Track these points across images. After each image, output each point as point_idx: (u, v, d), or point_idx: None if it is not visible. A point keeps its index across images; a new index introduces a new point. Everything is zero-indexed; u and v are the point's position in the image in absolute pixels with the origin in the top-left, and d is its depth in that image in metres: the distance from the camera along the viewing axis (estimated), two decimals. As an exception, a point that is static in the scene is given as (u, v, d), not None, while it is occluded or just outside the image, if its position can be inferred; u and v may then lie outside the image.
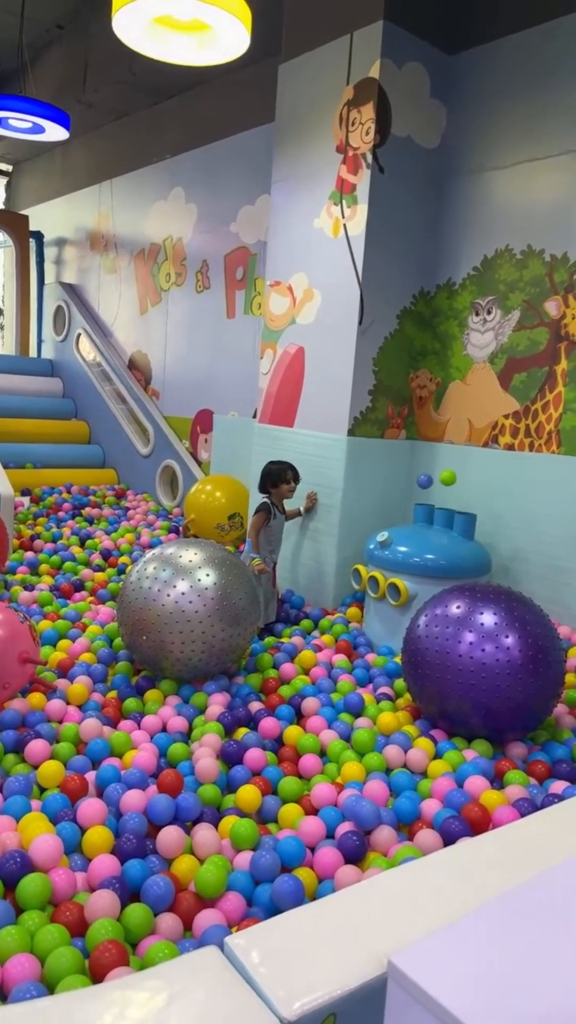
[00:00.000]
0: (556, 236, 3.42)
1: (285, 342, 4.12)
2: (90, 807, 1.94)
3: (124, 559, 4.47)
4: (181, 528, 5.13)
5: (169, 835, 1.88)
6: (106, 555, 4.54)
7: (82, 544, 4.78)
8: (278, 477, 3.62)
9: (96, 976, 1.44)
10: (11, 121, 4.81)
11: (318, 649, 3.30)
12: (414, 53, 3.65)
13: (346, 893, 1.36)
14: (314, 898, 1.80)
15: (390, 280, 3.78)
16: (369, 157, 3.60)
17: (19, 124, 4.84)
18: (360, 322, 3.70)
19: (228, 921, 1.68)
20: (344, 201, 3.73)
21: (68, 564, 4.33)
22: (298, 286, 4.03)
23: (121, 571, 4.33)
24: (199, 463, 5.75)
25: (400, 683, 2.94)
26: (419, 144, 3.77)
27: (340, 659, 3.17)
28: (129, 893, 1.71)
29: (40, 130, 4.89)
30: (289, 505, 3.79)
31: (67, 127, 4.81)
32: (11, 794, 2.02)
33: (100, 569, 4.36)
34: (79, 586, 4.03)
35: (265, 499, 3.64)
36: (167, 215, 6.05)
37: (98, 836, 1.85)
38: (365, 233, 3.62)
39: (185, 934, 1.67)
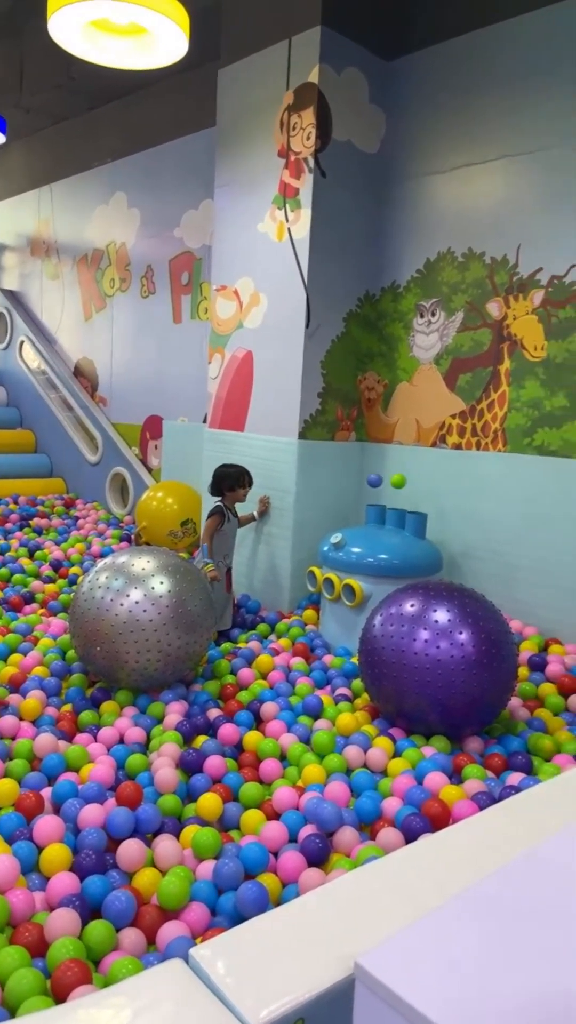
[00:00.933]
0: (495, 239, 3.49)
1: (233, 346, 4.11)
2: (46, 824, 1.90)
3: (75, 569, 4.39)
4: (133, 536, 5.07)
5: (129, 848, 1.85)
6: (56, 566, 4.46)
7: (31, 555, 4.68)
8: (235, 481, 3.61)
9: (59, 997, 1.41)
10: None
11: (275, 653, 3.29)
12: (352, 58, 3.69)
13: (309, 897, 1.36)
14: (279, 903, 1.79)
15: (335, 283, 3.81)
16: (311, 161, 3.62)
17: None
18: (307, 325, 3.71)
19: (192, 932, 1.66)
20: (288, 205, 3.74)
21: (17, 576, 4.23)
22: (244, 290, 4.03)
23: (72, 582, 4.25)
24: (149, 470, 5.69)
25: (358, 683, 2.95)
26: (360, 149, 3.81)
27: (297, 662, 3.17)
28: (90, 910, 1.68)
29: (-24, 134, 4.79)
30: (241, 509, 3.78)
31: (3, 131, 4.71)
32: (-37, 815, 1.96)
33: (50, 580, 4.28)
34: (29, 598, 3.95)
35: (218, 503, 3.62)
36: (109, 220, 5.98)
37: (56, 854, 1.81)
38: (309, 237, 3.65)
39: (149, 948, 1.64)
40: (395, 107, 3.87)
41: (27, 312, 7.05)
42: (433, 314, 3.76)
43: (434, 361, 3.78)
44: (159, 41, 3.25)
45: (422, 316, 3.82)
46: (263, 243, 3.88)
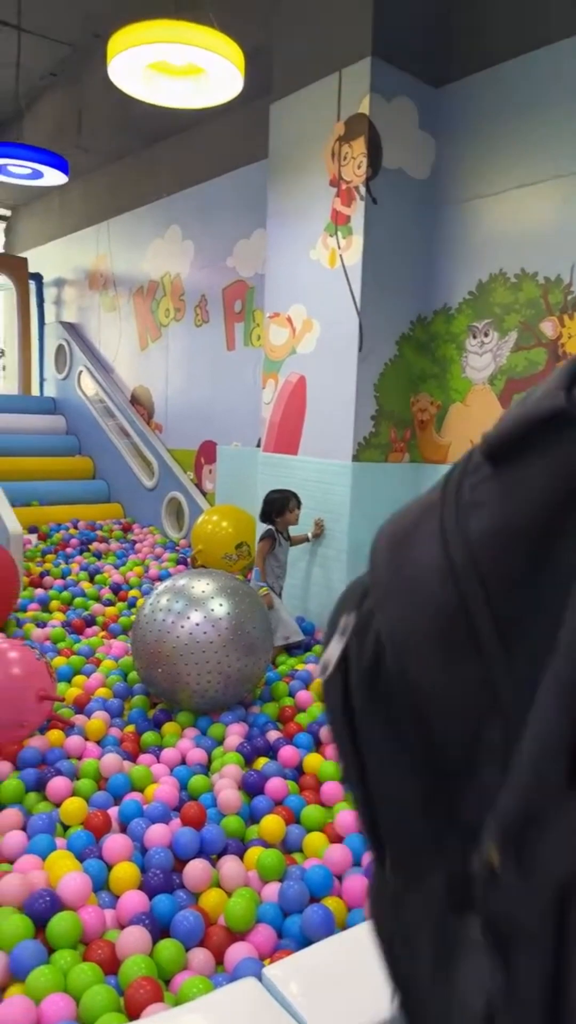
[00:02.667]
0: (548, 259, 3.48)
1: (286, 372, 4.17)
2: (116, 843, 1.93)
3: (134, 592, 4.48)
4: (189, 559, 5.15)
5: (196, 869, 1.87)
6: (116, 589, 4.55)
7: (91, 579, 4.80)
8: (282, 505, 3.67)
9: (131, 1013, 1.43)
10: (10, 168, 4.92)
11: (333, 675, 3.29)
12: (401, 87, 3.75)
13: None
14: (345, 927, 1.79)
15: (387, 307, 3.84)
16: (362, 189, 3.68)
17: (18, 170, 4.95)
18: (360, 349, 3.75)
19: (260, 954, 1.66)
20: (339, 232, 3.80)
21: (79, 600, 4.34)
22: (297, 317, 4.10)
23: (132, 604, 4.34)
24: (204, 494, 5.78)
25: (417, 706, 2.93)
26: (410, 175, 3.85)
27: (355, 684, 3.16)
28: (159, 928, 1.70)
29: (39, 175, 5.00)
30: (295, 531, 3.82)
31: (66, 172, 4.92)
32: (35, 832, 2.02)
33: (110, 603, 4.37)
34: (91, 621, 4.04)
35: (269, 527, 3.68)
36: (164, 252, 6.16)
37: (125, 872, 1.85)
38: (361, 263, 3.69)
39: (217, 968, 1.66)
40: (444, 133, 3.91)
41: (85, 343, 7.28)
42: (486, 335, 3.76)
43: (488, 382, 3.77)
44: (215, 80, 3.37)
45: (475, 337, 3.82)
46: (315, 270, 3.95)
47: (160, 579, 4.79)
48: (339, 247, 3.80)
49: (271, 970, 1.20)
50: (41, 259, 7.96)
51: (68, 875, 1.74)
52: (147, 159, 6.35)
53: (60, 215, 7.72)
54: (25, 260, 7.75)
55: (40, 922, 1.65)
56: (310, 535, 3.89)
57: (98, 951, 1.60)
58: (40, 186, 6.23)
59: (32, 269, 7.80)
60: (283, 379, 4.20)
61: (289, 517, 3.68)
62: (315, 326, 3.98)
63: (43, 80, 6.61)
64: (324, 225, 3.88)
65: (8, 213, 8.83)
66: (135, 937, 1.61)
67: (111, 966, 1.59)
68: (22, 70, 5.89)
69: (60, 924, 1.61)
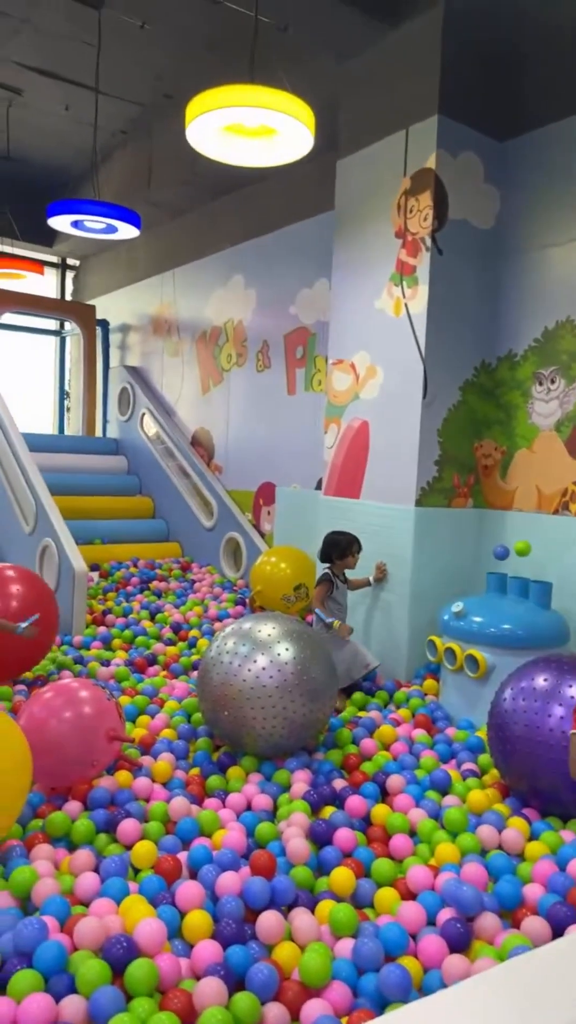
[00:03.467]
0: (617, 307, 3.47)
1: (349, 417, 4.23)
2: (188, 890, 1.93)
3: (194, 632, 4.52)
4: (247, 599, 5.18)
5: (269, 920, 1.85)
6: (176, 628, 4.60)
7: (152, 618, 4.86)
8: (344, 549, 3.69)
9: (211, 1068, 1.42)
10: (86, 223, 5.16)
11: (396, 723, 3.25)
12: (467, 143, 3.84)
13: (470, 984, 1.33)
14: (421, 988, 1.74)
15: (452, 354, 3.88)
16: (428, 241, 3.75)
17: (94, 224, 5.19)
18: (424, 396, 3.78)
19: (336, 1011, 1.63)
20: (404, 282, 3.87)
21: (140, 639, 4.40)
22: (360, 363, 4.16)
23: (192, 644, 4.37)
24: (262, 535, 5.83)
25: (484, 758, 2.87)
26: (475, 226, 3.91)
27: (420, 734, 3.12)
28: (233, 980, 1.68)
29: (113, 230, 5.23)
30: (353, 575, 3.82)
31: (138, 226, 5.13)
32: (108, 875, 2.03)
33: (171, 643, 4.42)
34: (152, 660, 4.09)
35: (328, 569, 3.70)
36: (227, 300, 6.34)
37: (198, 920, 1.84)
38: (427, 311, 3.75)
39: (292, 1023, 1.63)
40: (509, 184, 3.97)
41: (148, 386, 7.49)
42: (552, 382, 3.75)
43: (555, 428, 3.75)
44: (287, 139, 3.51)
45: (541, 384, 3.81)
46: (380, 319, 4.01)
47: (219, 619, 4.83)
48: (404, 296, 3.86)
49: (361, 1032, 1.18)
50: (107, 306, 8.26)
51: (144, 921, 1.74)
52: (211, 212, 6.58)
53: (127, 264, 8.03)
54: (93, 308, 8.06)
55: (117, 968, 1.65)
56: (372, 579, 3.88)
57: (175, 1000, 1.59)
58: (110, 238, 6.51)
59: (99, 316, 8.10)
60: (345, 424, 4.25)
61: (349, 560, 3.71)
62: (379, 372, 4.03)
63: (114, 138, 6.95)
64: (389, 275, 3.96)
65: (77, 263, 9.21)
66: (212, 988, 1.60)
67: (188, 1016, 1.57)
68: (94, 129, 6.21)
69: (138, 971, 1.61)
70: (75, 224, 5.17)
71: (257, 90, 3.21)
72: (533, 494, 3.85)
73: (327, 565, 3.75)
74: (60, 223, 5.13)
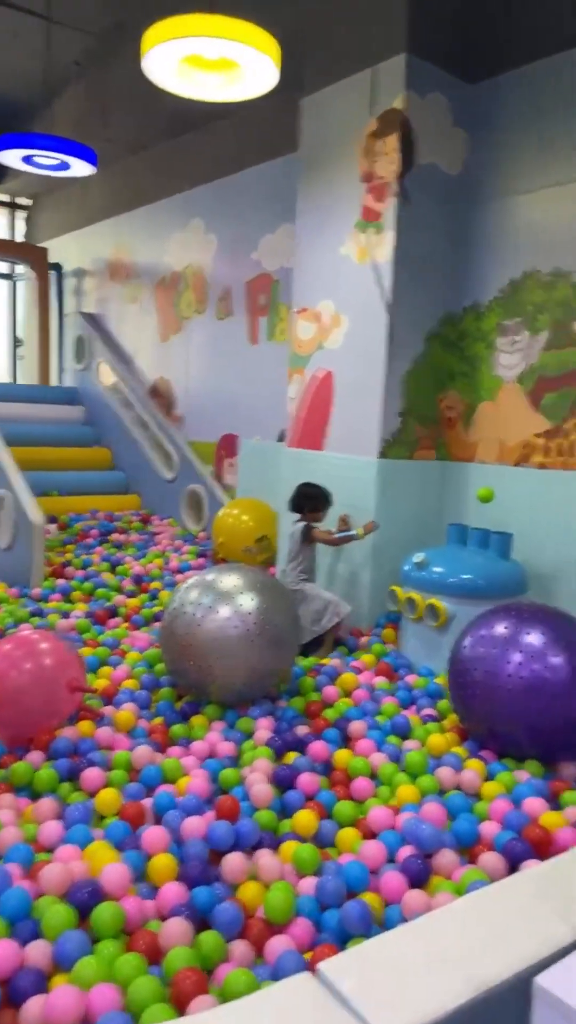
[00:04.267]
0: (582, 257, 3.46)
1: (313, 367, 4.17)
2: (153, 834, 1.95)
3: (156, 584, 4.49)
4: (209, 552, 5.16)
5: (233, 861, 1.88)
6: (137, 581, 4.57)
7: (112, 570, 4.81)
8: (317, 502, 3.67)
9: (177, 1004, 1.45)
10: (37, 159, 4.91)
11: (358, 671, 3.30)
12: (436, 83, 3.74)
13: (431, 917, 1.37)
14: (382, 923, 1.80)
15: (417, 304, 3.83)
16: (395, 185, 3.67)
17: (45, 161, 4.94)
18: (389, 346, 3.74)
19: (299, 946, 1.67)
20: (371, 229, 3.79)
21: (101, 591, 4.35)
22: (325, 312, 4.09)
23: (154, 596, 4.35)
24: (224, 487, 5.79)
25: (444, 704, 2.94)
26: (443, 171, 3.83)
27: (381, 681, 3.17)
28: (199, 920, 1.71)
29: (66, 167, 4.99)
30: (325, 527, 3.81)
31: (94, 163, 4.91)
32: (73, 822, 2.03)
33: (133, 595, 4.39)
34: (113, 612, 4.06)
35: (302, 519, 3.68)
36: (187, 245, 6.15)
37: (163, 863, 1.86)
38: (393, 259, 3.68)
39: (257, 960, 1.67)
40: (478, 129, 3.89)
41: (105, 334, 7.28)
42: (517, 334, 3.74)
43: (518, 380, 3.75)
44: (250, 73, 3.36)
45: (505, 336, 3.80)
46: (345, 266, 3.94)
47: (181, 571, 4.80)
48: (370, 243, 3.79)
49: (326, 966, 1.21)
50: (61, 249, 7.96)
51: (109, 865, 1.75)
52: (170, 151, 6.32)
53: (81, 206, 7.71)
54: (45, 250, 7.75)
55: (83, 912, 1.66)
56: (360, 532, 3.68)
57: (141, 941, 1.61)
58: (65, 177, 6.21)
59: (52, 259, 7.80)
60: (309, 374, 4.19)
61: (319, 515, 3.69)
62: (343, 322, 3.97)
63: (67, 70, 6.59)
64: (355, 221, 3.87)
65: (29, 203, 8.82)
66: (177, 928, 1.62)
67: (154, 956, 1.60)
68: (48, 60, 5.88)
69: (104, 914, 1.62)
70: (26, 160, 4.92)
71: (218, 19, 3.05)
72: (495, 446, 3.87)
73: (298, 517, 3.73)
74: (10, 158, 4.88)
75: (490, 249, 3.86)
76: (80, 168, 4.91)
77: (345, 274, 3.93)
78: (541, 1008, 0.83)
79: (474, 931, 1.31)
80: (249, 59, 3.23)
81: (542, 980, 0.85)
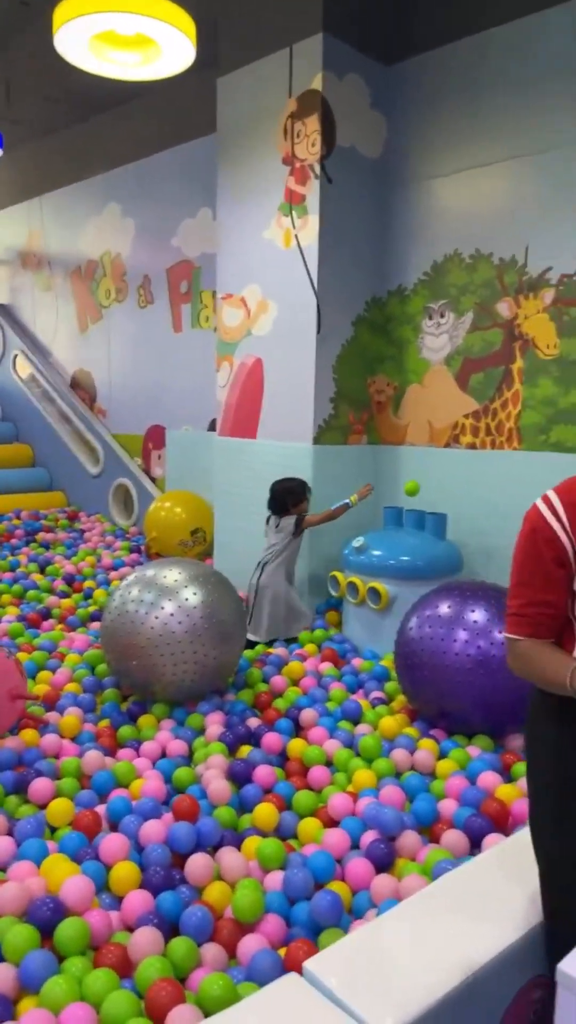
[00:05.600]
0: (503, 240, 3.52)
1: (241, 354, 4.11)
2: (111, 843, 1.88)
3: (89, 583, 4.36)
4: (143, 547, 5.05)
5: (197, 863, 1.84)
6: (69, 580, 4.42)
7: (42, 571, 4.65)
8: (301, 494, 3.58)
9: (154, 1017, 1.40)
10: None
11: (303, 659, 3.29)
12: (353, 65, 3.71)
13: (408, 906, 1.37)
14: (351, 911, 1.80)
15: (344, 288, 3.83)
16: (317, 168, 3.63)
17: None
18: (319, 331, 3.72)
19: (272, 944, 1.65)
20: (294, 212, 3.75)
21: (31, 592, 4.20)
22: (251, 298, 4.03)
23: (88, 596, 4.23)
24: (153, 480, 5.67)
25: (390, 686, 2.96)
26: (363, 154, 3.83)
27: (327, 667, 3.18)
28: (167, 926, 1.66)
29: (-30, 148, 4.74)
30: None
31: (0, 145, 4.67)
32: (24, 837, 1.95)
33: (65, 595, 4.25)
34: (46, 614, 3.92)
35: (287, 519, 3.58)
36: (103, 231, 5.96)
37: (125, 872, 1.80)
38: (318, 242, 3.66)
39: (230, 962, 1.64)
40: (396, 112, 3.89)
41: (19, 325, 7.00)
42: (442, 316, 3.79)
43: (445, 362, 3.80)
44: (166, 51, 3.25)
45: (431, 318, 3.84)
46: (270, 250, 3.89)
47: (114, 568, 4.68)
48: (294, 227, 3.75)
49: (312, 964, 1.19)
50: (-33, 237, 7.58)
51: (69, 879, 1.68)
52: (83, 133, 6.10)
53: (-13, 191, 7.36)
54: (-50, 238, 7.37)
55: (46, 930, 1.59)
56: (353, 499, 3.60)
57: (109, 955, 1.56)
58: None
59: (-42, 247, 7.43)
60: (238, 361, 4.13)
61: (303, 506, 3.59)
62: (271, 307, 3.93)
63: (-35, 47, 6.25)
64: (278, 205, 3.82)
65: None
66: (146, 938, 1.57)
67: (125, 969, 1.54)
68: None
69: (67, 931, 1.55)
70: None
71: (132, -7, 2.93)
72: (425, 428, 3.92)
73: (282, 514, 3.58)
74: None
75: (412, 232, 3.88)
76: (-14, 150, 4.66)
77: (270, 258, 3.88)
78: (565, 995, 0.83)
79: (452, 916, 1.31)
80: (165, 36, 3.13)
81: (565, 966, 0.85)
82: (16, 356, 6.81)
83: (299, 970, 1.46)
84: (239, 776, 2.31)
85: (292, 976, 1.18)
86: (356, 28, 3.67)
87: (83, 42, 3.21)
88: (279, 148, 3.79)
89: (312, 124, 3.64)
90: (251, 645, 3.45)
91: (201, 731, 2.65)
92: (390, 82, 3.88)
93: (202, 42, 3.87)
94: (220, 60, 4.04)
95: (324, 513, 3.57)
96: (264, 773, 2.30)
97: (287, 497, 3.58)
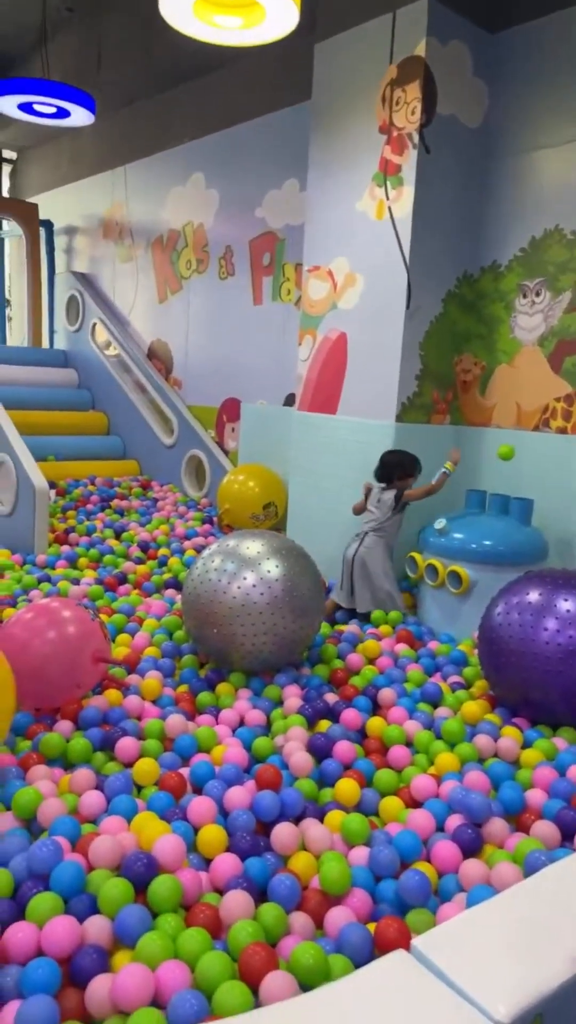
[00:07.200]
0: (609, 216, 3.37)
1: (325, 328, 4.06)
2: (199, 805, 1.90)
3: (164, 551, 4.41)
4: (215, 518, 5.08)
5: (284, 832, 1.84)
6: (144, 547, 4.48)
7: (117, 536, 4.72)
8: (410, 468, 3.54)
9: (248, 980, 1.40)
10: (35, 106, 4.68)
11: (378, 638, 3.26)
12: (458, 31, 3.58)
13: (514, 893, 1.33)
14: (436, 893, 1.77)
15: (436, 263, 3.73)
16: (415, 137, 3.53)
17: (42, 109, 4.72)
18: (408, 306, 3.64)
19: (359, 918, 1.64)
20: (389, 183, 3.66)
21: (108, 557, 4.27)
22: (338, 271, 3.97)
23: (163, 563, 4.27)
24: (226, 452, 5.69)
25: (470, 671, 2.91)
26: (463, 123, 3.70)
27: (403, 648, 3.14)
28: (255, 892, 1.67)
29: (65, 114, 4.77)
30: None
31: (93, 111, 4.69)
32: (114, 793, 1.98)
33: (140, 561, 4.31)
34: (123, 579, 3.98)
35: (388, 491, 3.56)
36: (186, 201, 5.95)
37: (213, 835, 1.81)
38: (412, 215, 3.57)
39: (317, 933, 1.63)
40: (499, 80, 3.75)
41: (99, 294, 7.07)
42: (537, 294, 3.66)
43: (537, 343, 3.68)
44: (270, 14, 3.19)
45: (525, 296, 3.71)
46: (361, 222, 3.81)
47: (188, 537, 4.72)
48: (388, 197, 3.66)
49: (421, 942, 1.17)
50: (51, 205, 7.68)
51: (162, 837, 1.70)
52: (169, 101, 6.09)
53: (72, 159, 7.44)
54: (35, 206, 7.47)
55: (138, 886, 1.61)
56: (450, 466, 3.53)
57: (201, 915, 1.57)
58: (50, 127, 5.93)
59: (41, 215, 7.53)
60: (322, 335, 4.08)
61: (409, 481, 3.56)
62: (358, 281, 3.86)
63: (59, 15, 6.28)
64: (372, 174, 3.73)
65: (14, 156, 8.50)
66: (237, 901, 1.58)
67: (215, 930, 1.56)
68: (36, 4, 5.58)
69: (161, 888, 1.57)
70: (23, 107, 4.70)
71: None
72: (513, 410, 3.80)
73: (382, 486, 3.57)
74: (5, 105, 4.65)
75: (511, 206, 3.75)
76: (79, 116, 4.71)
77: (361, 230, 3.81)
78: None
79: (563, 906, 1.27)
80: (270, -1, 3.07)
81: None
82: (95, 325, 6.89)
83: (388, 946, 1.46)
84: (319, 750, 2.30)
85: (400, 953, 1.16)
86: (463, -8, 3.54)
87: (188, 5, 3.18)
88: (376, 116, 3.70)
89: (413, 92, 3.53)
90: (330, 619, 3.46)
91: (279, 703, 2.65)
92: (494, 50, 3.73)
93: (301, 7, 3.80)
94: (319, 25, 3.95)
95: (425, 487, 3.50)
96: (344, 749, 2.29)
97: (395, 470, 3.53)
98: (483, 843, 1.89)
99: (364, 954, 1.50)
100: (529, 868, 1.73)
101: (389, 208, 3.67)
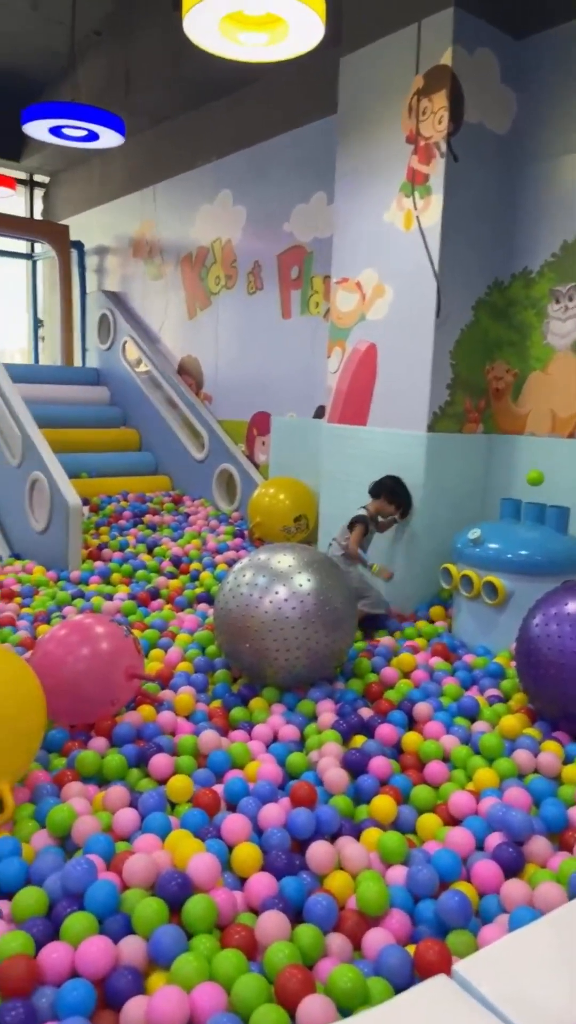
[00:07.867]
0: None
1: (354, 340, 4.05)
2: (234, 822, 1.88)
3: (196, 565, 4.42)
4: (246, 532, 5.08)
5: (320, 850, 1.81)
6: (176, 562, 4.49)
7: (150, 552, 4.74)
8: (403, 498, 3.61)
9: (285, 1004, 1.37)
10: (65, 130, 4.77)
11: (413, 651, 3.21)
12: (484, 38, 3.56)
13: (562, 915, 1.29)
14: (478, 914, 1.72)
15: (466, 271, 3.69)
16: (443, 146, 3.51)
17: (72, 132, 4.81)
18: (438, 315, 3.61)
19: (398, 940, 1.60)
20: (416, 192, 3.65)
21: (140, 572, 4.29)
22: (367, 282, 3.95)
23: (195, 577, 4.28)
24: (257, 466, 5.69)
25: (508, 684, 2.85)
26: (491, 130, 3.67)
27: (438, 661, 3.09)
28: (291, 912, 1.64)
29: (95, 137, 4.85)
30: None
31: (123, 133, 4.77)
32: (148, 811, 1.97)
33: (173, 576, 4.32)
34: (155, 594, 3.99)
35: (362, 510, 3.57)
36: (214, 218, 6.01)
37: (247, 853, 1.79)
38: (441, 224, 3.54)
39: (355, 955, 1.60)
40: (527, 86, 3.72)
41: (129, 312, 7.16)
42: (571, 299, 3.60)
43: (571, 348, 3.62)
44: (294, 30, 3.21)
45: (558, 302, 3.66)
46: (389, 233, 3.80)
47: (219, 551, 4.73)
48: (416, 207, 3.65)
49: (463, 967, 1.13)
50: (82, 226, 7.82)
51: (196, 856, 1.68)
52: (195, 120, 6.17)
53: (102, 180, 7.57)
54: (66, 228, 7.62)
55: (173, 905, 1.59)
56: (375, 568, 3.50)
57: (236, 936, 1.55)
58: (81, 150, 6.03)
59: (72, 237, 7.67)
60: (351, 347, 4.07)
61: (386, 508, 3.61)
62: (387, 291, 3.84)
63: (87, 39, 6.43)
64: (400, 185, 3.72)
65: (47, 180, 8.68)
66: (273, 922, 1.55)
67: (251, 951, 1.53)
68: (65, 29, 5.71)
69: (196, 908, 1.55)
70: (53, 131, 4.79)
71: (263, -29, 2.91)
72: (547, 418, 3.74)
73: (367, 504, 3.63)
74: (37, 129, 4.74)
75: (541, 212, 3.71)
76: (109, 138, 4.78)
77: (389, 241, 3.79)
78: None
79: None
80: (294, 14, 3.09)
81: None
82: (126, 342, 6.98)
83: (429, 969, 1.42)
84: (354, 766, 2.26)
85: (442, 978, 1.13)
86: (488, 1, 3.52)
87: (213, 24, 3.21)
88: (403, 127, 3.69)
89: (439, 100, 3.52)
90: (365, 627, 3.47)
91: (312, 718, 2.62)
92: (521, 56, 3.71)
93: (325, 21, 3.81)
94: (344, 39, 3.96)
95: (355, 545, 3.49)
96: (380, 764, 2.25)
97: (380, 489, 3.60)
98: (525, 862, 1.84)
99: (404, 977, 1.46)
100: (573, 889, 1.67)
101: (417, 218, 3.65)
